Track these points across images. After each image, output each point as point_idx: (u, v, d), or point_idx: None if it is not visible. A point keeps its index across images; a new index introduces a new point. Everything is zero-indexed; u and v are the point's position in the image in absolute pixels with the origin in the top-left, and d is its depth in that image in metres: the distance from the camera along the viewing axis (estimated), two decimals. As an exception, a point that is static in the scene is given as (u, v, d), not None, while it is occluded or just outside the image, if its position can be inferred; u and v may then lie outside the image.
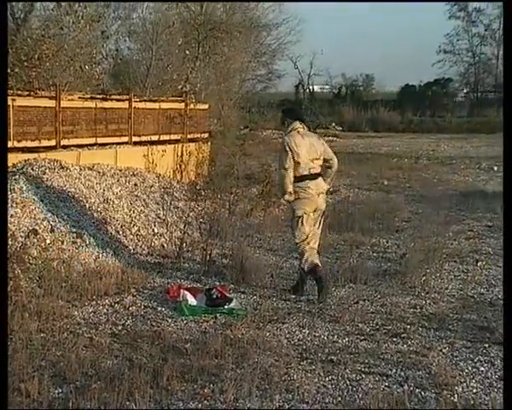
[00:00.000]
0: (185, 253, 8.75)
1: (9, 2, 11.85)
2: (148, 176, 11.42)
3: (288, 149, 6.99)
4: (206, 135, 15.17)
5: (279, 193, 7.33)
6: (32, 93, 10.72)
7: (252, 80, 33.31)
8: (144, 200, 10.15)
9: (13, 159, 9.40)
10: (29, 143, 9.98)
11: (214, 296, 6.63)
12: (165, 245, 9.03)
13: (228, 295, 6.76)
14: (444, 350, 5.56)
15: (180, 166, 13.07)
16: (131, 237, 8.90)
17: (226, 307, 6.48)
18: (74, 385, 4.65)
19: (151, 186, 10.92)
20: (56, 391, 4.56)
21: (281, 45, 35.24)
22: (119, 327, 5.95)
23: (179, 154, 13.16)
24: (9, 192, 8.30)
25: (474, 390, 4.78)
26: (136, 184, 10.63)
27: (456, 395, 4.67)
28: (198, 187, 12.26)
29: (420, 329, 6.07)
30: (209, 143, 14.75)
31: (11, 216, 7.86)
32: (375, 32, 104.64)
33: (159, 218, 9.73)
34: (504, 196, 4.59)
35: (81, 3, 12.98)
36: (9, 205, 8.03)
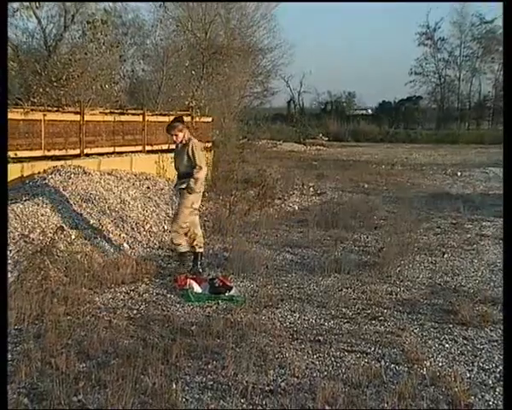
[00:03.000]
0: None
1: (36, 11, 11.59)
2: (159, 180, 11.41)
3: (203, 150, 7.50)
4: (210, 144, 15.15)
5: (193, 186, 7.24)
6: (60, 109, 10.71)
7: (249, 97, 33.14)
8: (156, 201, 10.15)
9: (43, 166, 9.40)
10: (57, 152, 9.98)
11: (217, 285, 6.63)
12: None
13: (229, 283, 6.75)
14: (415, 331, 5.58)
15: (187, 171, 13.03)
16: (145, 233, 8.89)
17: (227, 294, 6.47)
18: (96, 361, 4.66)
19: (162, 189, 10.91)
20: (81, 366, 4.57)
21: (274, 66, 35.08)
22: (134, 311, 5.95)
23: (186, 161, 13.13)
24: (40, 194, 8.31)
25: (440, 364, 4.82)
26: (148, 187, 10.62)
27: (424, 369, 4.69)
28: (202, 190, 12.23)
29: (395, 312, 6.08)
30: (212, 152, 14.73)
31: (41, 215, 7.87)
32: (356, 55, 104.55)
33: (168, 216, 9.71)
34: (504, 196, 4.50)
35: (102, 32, 12.95)
36: (40, 205, 8.04)
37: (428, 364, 4.80)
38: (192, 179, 7.18)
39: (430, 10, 69.34)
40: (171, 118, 13.41)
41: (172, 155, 7.90)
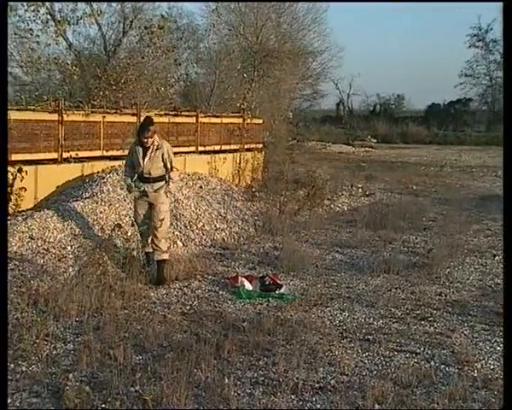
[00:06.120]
0: (242, 245, 8.79)
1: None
2: (211, 180, 11.48)
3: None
4: (260, 145, 15.15)
5: (172, 190, 7.13)
6: (118, 111, 10.90)
7: (299, 99, 33.09)
8: (208, 200, 10.21)
9: (102, 165, 9.59)
10: (115, 153, 10.12)
11: (267, 283, 6.64)
12: (226, 239, 9.08)
13: (279, 282, 6.75)
14: (465, 332, 5.47)
15: (238, 171, 13.11)
16: (197, 231, 8.96)
17: (277, 292, 6.48)
18: (151, 354, 4.73)
19: (214, 188, 10.97)
20: (137, 358, 4.65)
21: (324, 69, 34.90)
22: (188, 307, 6.01)
23: (237, 161, 13.21)
24: (99, 193, 8.49)
25: (492, 367, 4.70)
26: (201, 187, 10.70)
27: (475, 371, 4.60)
28: (253, 190, 12.25)
29: (444, 313, 5.98)
30: (263, 153, 14.74)
31: (100, 212, 8.04)
32: (406, 57, 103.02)
33: (220, 215, 9.78)
34: (504, 196, 4.38)
35: (159, 37, 13.16)
36: (99, 203, 8.21)
37: (479, 366, 4.69)
38: (171, 183, 6.95)
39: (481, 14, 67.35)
40: (223, 119, 13.69)
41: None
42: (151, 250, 7.02)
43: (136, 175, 6.89)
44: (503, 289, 5.11)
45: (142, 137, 6.78)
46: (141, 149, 6.83)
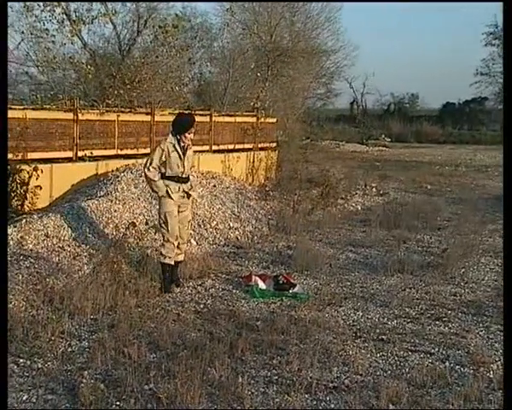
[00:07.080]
0: (256, 244, 8.78)
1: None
2: (224, 179, 11.49)
3: None
4: (274, 144, 15.15)
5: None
6: (132, 110, 10.95)
7: (312, 98, 32.96)
8: (222, 199, 10.22)
9: (116, 164, 9.63)
10: (129, 151, 10.19)
11: (281, 282, 6.63)
12: (239, 237, 9.07)
13: (292, 281, 6.74)
14: (481, 333, 5.43)
15: (252, 170, 13.12)
16: (211, 230, 8.97)
17: (291, 291, 6.47)
18: (165, 352, 4.74)
19: (227, 187, 10.98)
20: (151, 356, 4.66)
21: (338, 68, 34.67)
22: (201, 305, 6.02)
23: (251, 160, 13.21)
24: (113, 191, 8.52)
25: (508, 369, 4.65)
26: (214, 186, 10.71)
27: (491, 372, 4.56)
28: (267, 189, 12.26)
29: (459, 314, 5.94)
30: (276, 152, 14.73)
31: (115, 211, 8.07)
32: (420, 57, 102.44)
33: (234, 214, 9.78)
34: (504, 196, 4.34)
35: (173, 36, 13.21)
36: (113, 202, 8.25)
37: (495, 367, 4.65)
38: (193, 183, 6.73)
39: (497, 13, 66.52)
40: (237, 118, 13.68)
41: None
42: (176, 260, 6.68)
43: (163, 175, 6.54)
44: (503, 289, 5.08)
45: (187, 135, 6.43)
46: (179, 148, 6.43)
